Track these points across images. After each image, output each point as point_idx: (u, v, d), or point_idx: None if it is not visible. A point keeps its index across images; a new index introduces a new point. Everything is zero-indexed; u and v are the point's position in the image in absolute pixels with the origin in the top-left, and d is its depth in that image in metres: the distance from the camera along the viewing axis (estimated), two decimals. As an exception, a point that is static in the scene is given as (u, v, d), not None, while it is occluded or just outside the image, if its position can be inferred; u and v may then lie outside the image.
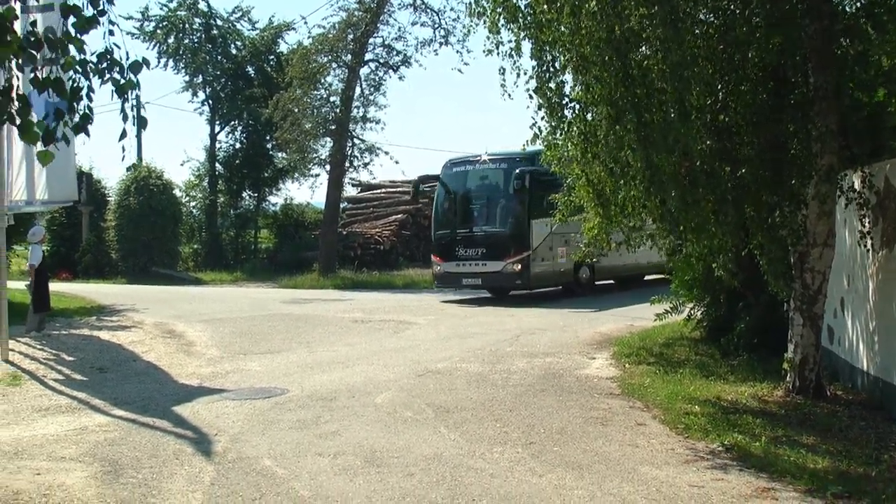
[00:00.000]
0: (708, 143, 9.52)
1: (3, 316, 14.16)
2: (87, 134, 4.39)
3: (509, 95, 10.66)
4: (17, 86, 3.91)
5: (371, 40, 34.22)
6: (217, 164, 45.28)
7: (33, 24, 3.78)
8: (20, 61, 3.77)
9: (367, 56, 34.68)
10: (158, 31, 42.71)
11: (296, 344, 15.59)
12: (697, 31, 9.51)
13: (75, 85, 4.04)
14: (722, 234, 10.03)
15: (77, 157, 39.90)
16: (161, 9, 43.12)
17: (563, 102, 10.40)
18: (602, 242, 12.70)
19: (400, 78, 37.03)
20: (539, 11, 9.65)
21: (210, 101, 44.44)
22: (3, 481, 7.38)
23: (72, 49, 3.88)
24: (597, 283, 26.01)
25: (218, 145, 45.41)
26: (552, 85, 10.29)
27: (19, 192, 15.55)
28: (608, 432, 8.85)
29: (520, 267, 23.28)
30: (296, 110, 33.25)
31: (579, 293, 24.65)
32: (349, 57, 33.63)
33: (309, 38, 35.26)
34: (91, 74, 4.07)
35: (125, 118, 4.48)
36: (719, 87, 9.65)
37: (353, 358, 13.79)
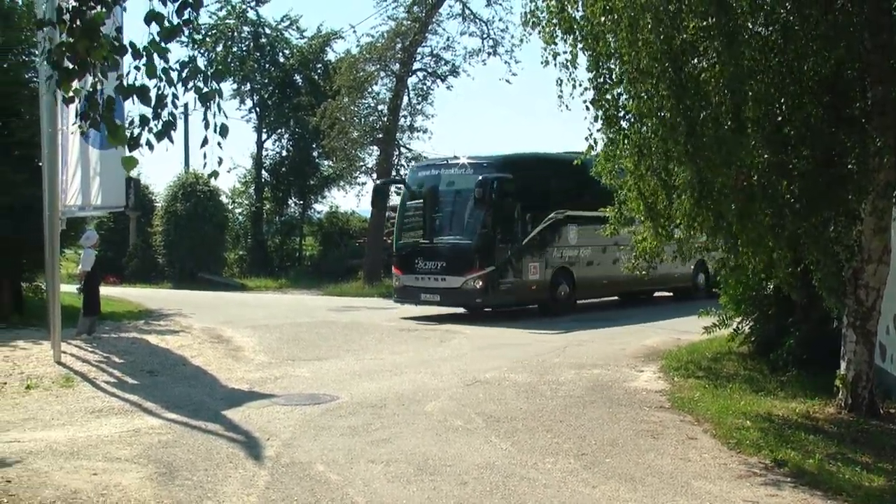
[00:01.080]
0: (766, 156, 9.47)
1: (55, 318, 14.38)
2: (171, 140, 4.45)
3: (566, 107, 10.62)
4: (102, 90, 3.99)
5: (419, 50, 34.33)
6: (263, 172, 45.57)
7: (118, 29, 3.82)
8: (106, 66, 3.86)
9: (415, 65, 34.83)
10: (207, 39, 43.06)
11: (343, 351, 15.66)
12: (754, 44, 9.46)
13: (160, 92, 4.11)
14: (779, 248, 9.96)
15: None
16: (210, 17, 43.53)
17: (620, 114, 10.42)
18: (653, 255, 12.61)
19: (448, 87, 37.11)
20: (596, 23, 9.67)
21: (257, 109, 44.75)
22: (61, 480, 7.51)
23: (156, 57, 3.96)
24: (580, 301, 23.76)
25: (265, 153, 45.68)
26: (609, 97, 10.32)
27: (74, 198, 15.77)
28: (659, 445, 8.82)
29: (481, 284, 20.84)
30: (343, 119, 33.40)
31: (556, 313, 22.02)
32: (397, 66, 33.77)
33: (357, 46, 35.47)
34: (175, 82, 4.15)
35: (207, 125, 4.53)
36: (782, 99, 9.57)
37: (400, 366, 13.85)
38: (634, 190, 10.55)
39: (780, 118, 9.68)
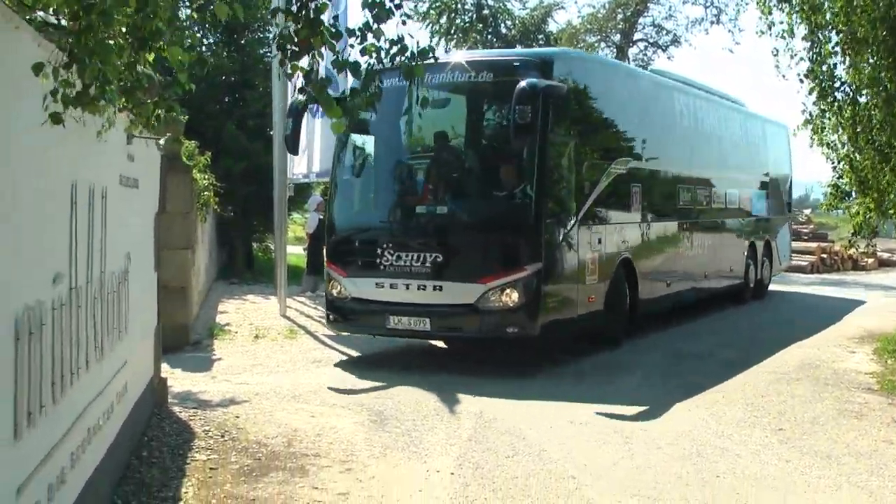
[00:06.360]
0: None
1: (282, 276, 15.44)
2: (375, 110, 5.09)
3: (783, 77, 10.58)
4: (318, 69, 4.54)
5: (640, 20, 34.09)
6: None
7: (336, 17, 4.42)
8: (323, 49, 4.40)
9: (636, 36, 34.61)
10: (432, 11, 44.04)
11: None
12: None
13: (369, 67, 4.63)
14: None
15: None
16: (436, -10, 44.43)
17: (835, 86, 10.26)
18: (870, 231, 12.20)
19: (669, 58, 36.70)
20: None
21: (478, 80, 45.39)
22: (283, 419, 8.28)
23: (369, 37, 4.48)
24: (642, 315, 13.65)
25: (486, 123, 46.35)
26: (824, 67, 10.18)
27: (300, 165, 16.73)
28: (862, 426, 8.64)
29: (517, 296, 10.72)
30: (565, 90, 33.56)
31: (618, 338, 12.70)
32: (618, 37, 33.71)
33: (578, 17, 35.58)
34: (384, 59, 4.65)
35: (409, 97, 5.11)
36: None
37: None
38: (847, 163, 10.34)
39: None
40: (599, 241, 12.19)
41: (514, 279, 10.69)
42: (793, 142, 20.73)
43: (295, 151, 13.06)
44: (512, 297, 10.68)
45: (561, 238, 11.36)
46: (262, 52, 22.57)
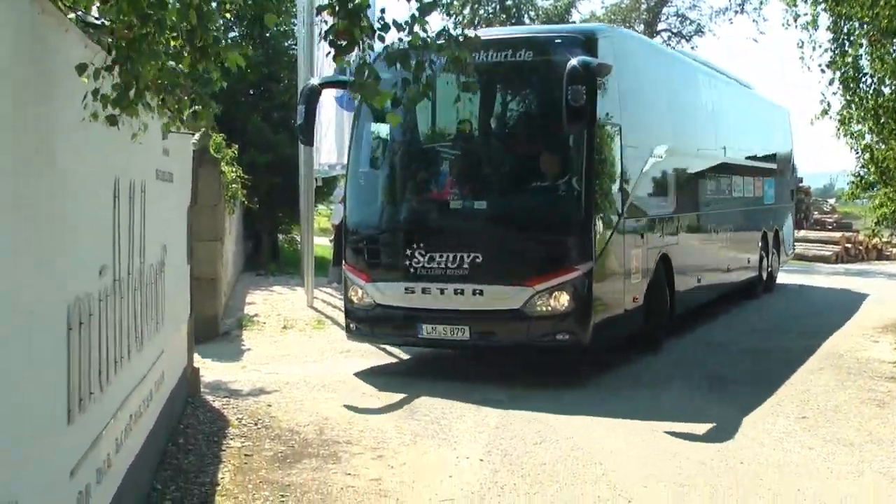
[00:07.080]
0: None
1: (309, 267, 15.61)
2: (429, 98, 5.23)
3: (808, 68, 10.65)
4: (370, 62, 4.69)
5: (664, 10, 34.12)
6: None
7: (383, 10, 4.51)
8: (370, 41, 4.57)
9: (660, 26, 34.60)
10: (455, 2, 44.09)
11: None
12: None
13: (419, 59, 4.78)
14: None
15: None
16: (460, -18, 44.47)
17: (858, 77, 10.33)
18: (893, 221, 12.22)
19: (693, 48, 36.68)
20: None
21: (501, 71, 45.39)
22: (313, 408, 8.51)
23: (416, 28, 4.67)
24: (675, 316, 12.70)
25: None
26: (848, 59, 10.25)
27: (327, 156, 16.85)
28: (884, 414, 8.73)
29: (567, 299, 9.72)
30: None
31: (656, 339, 11.85)
32: (641, 27, 33.70)
33: (602, 7, 35.61)
34: (433, 49, 4.81)
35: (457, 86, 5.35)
36: None
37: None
38: (868, 153, 10.42)
39: None
40: (642, 236, 11.31)
41: (564, 280, 9.68)
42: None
43: (309, 142, 12.15)
44: (561, 300, 9.67)
45: (610, 233, 10.33)
46: (286, 44, 22.75)
